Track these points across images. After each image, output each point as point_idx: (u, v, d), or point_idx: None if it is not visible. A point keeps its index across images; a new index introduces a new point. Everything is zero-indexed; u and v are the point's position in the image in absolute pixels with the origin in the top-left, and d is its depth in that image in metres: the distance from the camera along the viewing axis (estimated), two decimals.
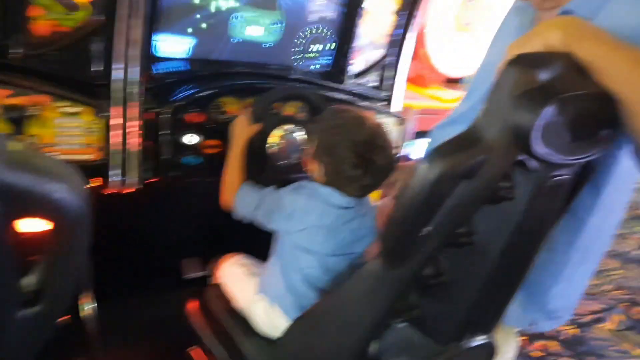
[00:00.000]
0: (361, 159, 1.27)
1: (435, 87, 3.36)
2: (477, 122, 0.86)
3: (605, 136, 0.91)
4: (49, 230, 0.51)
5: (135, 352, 1.86)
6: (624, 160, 1.05)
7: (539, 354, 2.64)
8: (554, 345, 2.73)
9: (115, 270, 1.68)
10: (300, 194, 1.36)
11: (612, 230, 1.30)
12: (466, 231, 0.95)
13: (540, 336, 2.78)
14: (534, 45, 0.90)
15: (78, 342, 1.65)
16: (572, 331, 2.89)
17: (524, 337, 2.68)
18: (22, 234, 0.47)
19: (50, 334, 0.58)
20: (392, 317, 1.05)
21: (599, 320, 3.05)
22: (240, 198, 1.44)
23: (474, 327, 1.06)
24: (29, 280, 0.53)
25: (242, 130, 1.50)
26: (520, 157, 0.86)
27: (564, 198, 0.97)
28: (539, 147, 0.82)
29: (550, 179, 0.90)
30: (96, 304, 1.74)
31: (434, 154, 0.85)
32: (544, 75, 0.84)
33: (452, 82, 3.49)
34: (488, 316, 1.08)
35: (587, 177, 1.02)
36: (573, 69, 0.87)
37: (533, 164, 0.87)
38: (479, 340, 1.08)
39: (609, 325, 3.03)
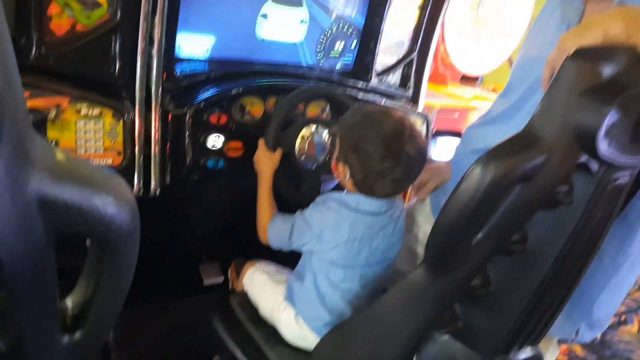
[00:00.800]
0: (390, 150, 1.19)
1: (454, 85, 3.31)
2: (534, 121, 0.80)
3: None
4: (95, 246, 0.45)
5: (155, 359, 1.81)
6: None
7: (564, 358, 2.57)
8: (578, 349, 2.66)
9: (135, 275, 1.63)
10: (328, 208, 1.30)
11: None
12: (519, 238, 0.89)
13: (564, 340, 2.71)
14: (594, 36, 0.83)
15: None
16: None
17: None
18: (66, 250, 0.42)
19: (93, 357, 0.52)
20: (434, 329, 1.00)
21: (623, 323, 2.98)
22: (272, 231, 1.40)
23: (521, 339, 1.00)
24: (71, 303, 0.48)
25: (266, 164, 1.46)
26: (582, 160, 0.80)
27: (622, 202, 0.91)
28: (605, 148, 0.76)
29: (611, 182, 0.85)
30: None
31: (490, 156, 0.78)
32: (608, 71, 0.78)
33: (468, 79, 3.44)
34: (537, 327, 1.02)
35: None
36: (638, 63, 0.81)
37: (595, 166, 0.81)
38: (526, 352, 1.02)
39: (634, 327, 2.96)
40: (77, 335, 0.47)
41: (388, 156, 1.21)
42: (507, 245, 0.88)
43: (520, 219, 0.85)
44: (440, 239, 0.86)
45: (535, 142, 0.79)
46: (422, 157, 1.25)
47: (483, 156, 0.79)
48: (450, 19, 3.18)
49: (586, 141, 0.76)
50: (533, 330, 1.01)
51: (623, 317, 3.03)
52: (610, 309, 1.26)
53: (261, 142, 1.46)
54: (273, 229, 1.39)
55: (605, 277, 1.16)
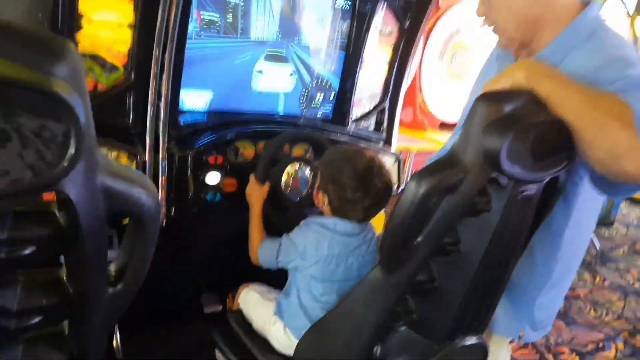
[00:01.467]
0: (361, 182, 1.46)
1: (432, 131, 3.60)
2: (455, 147, 1.05)
3: (563, 157, 1.10)
4: (131, 223, 0.69)
5: None
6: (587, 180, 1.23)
7: None
8: None
9: (138, 304, 1.82)
10: (309, 229, 1.55)
11: (585, 246, 1.47)
12: (452, 241, 1.12)
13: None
14: (504, 83, 1.11)
15: None
16: (576, 358, 2.99)
17: None
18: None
19: (124, 310, 0.75)
20: (393, 321, 1.21)
21: (600, 349, 3.15)
22: (262, 252, 1.63)
23: (464, 327, 1.21)
24: (114, 265, 0.71)
25: (256, 195, 1.70)
26: (493, 175, 1.04)
27: (533, 210, 1.15)
28: (507, 166, 1.00)
29: (520, 193, 1.09)
30: (119, 337, 1.88)
31: (421, 173, 1.03)
32: (508, 107, 1.03)
33: (447, 126, 3.73)
34: (476, 317, 1.24)
35: (557, 193, 1.20)
36: (534, 103, 1.07)
37: (504, 180, 1.05)
38: (471, 340, 1.23)
39: (610, 353, 3.12)
40: (118, 287, 0.70)
41: (360, 188, 1.47)
42: (442, 246, 1.11)
43: (450, 223, 1.08)
44: (388, 241, 1.10)
45: (456, 163, 1.04)
46: (388, 189, 1.52)
47: (417, 174, 1.03)
48: (426, 71, 3.51)
49: (493, 161, 1.00)
50: (473, 320, 1.23)
51: (601, 344, 3.20)
52: (550, 311, 1.47)
53: (252, 177, 1.71)
54: (262, 250, 1.61)
55: (541, 281, 1.38)
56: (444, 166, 1.05)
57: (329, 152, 1.63)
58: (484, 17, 1.31)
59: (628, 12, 4.98)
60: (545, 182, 1.13)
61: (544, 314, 1.45)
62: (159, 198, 1.58)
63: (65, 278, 0.66)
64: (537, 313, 1.43)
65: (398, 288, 1.15)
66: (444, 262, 1.15)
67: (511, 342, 1.55)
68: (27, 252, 0.58)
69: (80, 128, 0.52)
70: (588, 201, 1.31)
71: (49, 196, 0.62)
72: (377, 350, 1.24)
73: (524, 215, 1.14)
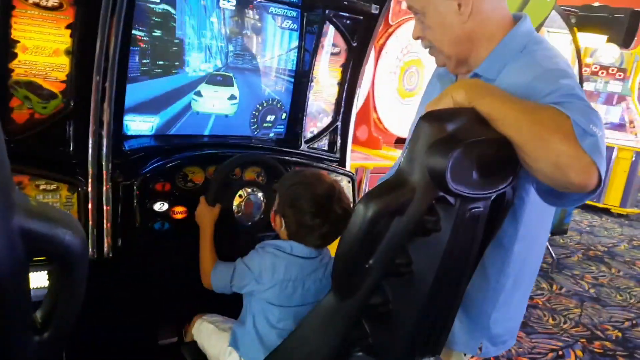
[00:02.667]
0: (321, 209, 1.43)
1: (387, 148, 3.62)
2: (402, 168, 1.04)
3: (508, 173, 1.11)
4: (55, 266, 0.64)
5: None
6: (536, 194, 1.24)
7: None
8: None
9: (91, 337, 1.75)
10: (265, 252, 1.50)
11: (539, 258, 1.49)
12: (404, 262, 1.11)
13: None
14: (445, 103, 1.11)
15: None
16: None
17: None
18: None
19: (57, 357, 0.70)
20: (349, 347, 1.19)
21: (560, 357, 3.19)
22: (215, 277, 1.56)
23: (420, 349, 1.20)
24: (40, 312, 0.66)
25: (206, 217, 1.64)
26: (440, 194, 1.03)
27: (482, 228, 1.15)
28: (452, 185, 1.00)
29: (468, 211, 1.08)
30: None
31: (368, 196, 1.02)
32: (451, 127, 1.03)
33: (402, 141, 3.76)
34: (432, 338, 1.22)
35: (504, 209, 1.21)
36: (476, 120, 1.07)
37: (451, 199, 1.05)
38: None
39: None
40: (45, 335, 0.65)
41: (319, 214, 1.44)
42: (395, 267, 1.09)
43: (400, 244, 1.07)
44: (339, 266, 1.08)
45: (403, 184, 1.03)
46: (347, 215, 1.47)
47: (364, 196, 1.02)
48: (379, 89, 3.54)
49: (439, 181, 1.00)
50: (429, 340, 1.21)
51: (561, 352, 3.25)
52: (508, 325, 1.47)
53: (202, 199, 1.67)
54: (215, 274, 1.56)
55: (495, 296, 1.38)
56: (391, 187, 1.04)
57: (288, 175, 1.60)
58: (421, 39, 1.33)
59: (570, 25, 5.17)
60: (492, 198, 1.14)
61: (501, 328, 1.45)
62: (104, 230, 1.52)
63: None
64: (493, 328, 1.42)
65: (352, 313, 1.13)
66: (397, 283, 1.13)
67: (471, 358, 1.54)
68: None
69: None
70: (536, 215, 1.32)
71: None
72: None
73: (474, 233, 1.13)
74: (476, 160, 1.03)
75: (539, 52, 1.24)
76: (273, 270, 1.47)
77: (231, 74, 1.90)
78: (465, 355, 1.50)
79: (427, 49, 1.37)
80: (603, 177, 1.01)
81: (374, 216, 1.00)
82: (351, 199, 2.10)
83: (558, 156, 1.00)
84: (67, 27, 1.43)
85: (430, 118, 1.05)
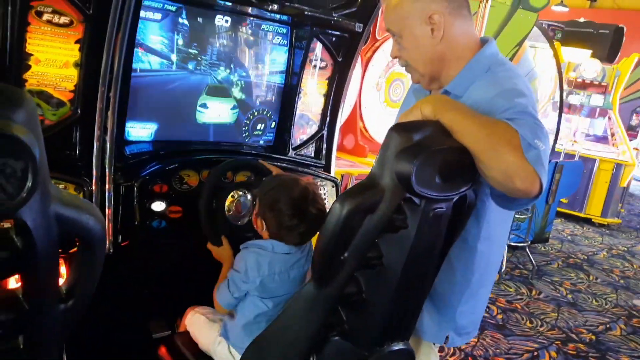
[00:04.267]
0: (297, 210, 1.58)
1: (373, 156, 3.78)
2: (374, 172, 1.19)
3: (468, 179, 1.26)
4: (80, 245, 0.79)
5: None
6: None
7: None
8: None
9: (87, 329, 1.87)
10: (249, 252, 1.64)
11: (499, 257, 1.64)
12: (376, 255, 1.25)
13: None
14: (414, 115, 1.27)
15: None
16: None
17: None
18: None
19: (75, 326, 0.84)
20: (327, 332, 1.33)
21: (535, 358, 3.34)
22: (219, 296, 1.68)
23: (391, 334, 1.34)
24: (65, 285, 0.80)
25: (221, 256, 1.78)
26: (407, 195, 1.18)
27: (445, 226, 1.30)
28: (417, 187, 1.15)
29: (432, 211, 1.23)
30: None
31: (344, 195, 1.17)
32: (417, 136, 1.18)
33: None
34: (401, 325, 1.37)
35: (467, 210, 1.36)
36: (440, 131, 1.22)
37: (417, 200, 1.20)
38: (398, 345, 1.36)
39: None
40: (69, 303, 0.79)
41: (295, 215, 1.59)
42: (367, 260, 1.24)
43: (372, 239, 1.21)
44: (318, 258, 1.22)
45: (374, 186, 1.18)
46: (322, 215, 1.62)
47: (340, 196, 1.18)
48: (366, 100, 3.70)
49: (405, 183, 1.15)
50: (398, 327, 1.36)
51: (536, 353, 3.40)
52: (471, 317, 1.62)
53: (209, 245, 1.81)
54: (219, 293, 1.68)
55: (460, 290, 1.53)
56: (363, 188, 1.19)
57: (266, 180, 1.75)
58: (398, 58, 1.49)
59: (551, 41, 5.37)
60: (454, 200, 1.29)
61: (466, 320, 1.59)
62: (106, 226, 1.66)
63: (21, 296, 0.75)
64: (459, 320, 1.57)
65: (330, 300, 1.27)
66: (370, 275, 1.28)
67: (441, 350, 1.68)
68: None
69: (36, 164, 0.63)
70: (496, 217, 1.47)
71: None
72: None
73: (437, 231, 1.28)
74: (439, 166, 1.18)
75: (501, 73, 1.40)
76: (258, 267, 1.60)
77: (226, 86, 2.06)
78: (434, 345, 1.65)
79: (404, 67, 1.53)
80: (544, 186, 1.17)
81: (349, 213, 1.14)
82: None
83: (507, 165, 1.16)
84: (76, 42, 1.57)
85: (398, 128, 1.20)
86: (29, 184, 0.63)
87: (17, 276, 0.75)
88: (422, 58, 1.45)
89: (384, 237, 1.24)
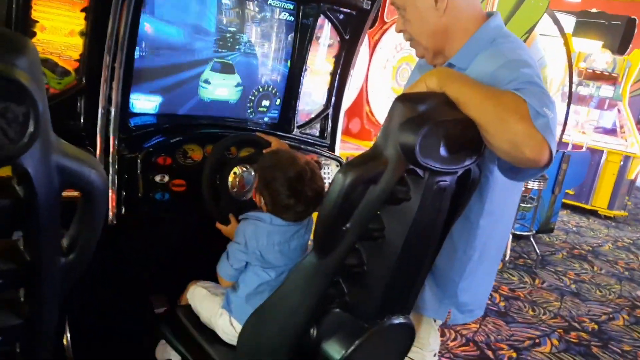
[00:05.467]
0: (293, 190, 1.57)
1: None
2: (377, 142, 1.19)
3: (472, 152, 1.25)
4: (82, 199, 0.79)
5: None
6: (499, 172, 1.39)
7: None
8: None
9: (89, 303, 1.88)
10: (248, 223, 1.65)
11: (504, 236, 1.63)
12: (378, 227, 1.25)
13: (484, 359, 3.05)
14: (419, 88, 1.26)
15: None
16: (513, 354, 3.17)
17: None
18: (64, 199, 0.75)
19: (76, 280, 0.84)
20: (327, 303, 1.33)
21: (536, 345, 3.35)
22: (220, 269, 1.67)
23: (391, 307, 1.35)
24: (66, 238, 0.80)
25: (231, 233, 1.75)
26: (410, 167, 1.17)
27: (448, 200, 1.29)
28: (421, 159, 1.14)
29: (435, 183, 1.23)
30: (69, 336, 1.93)
31: (347, 166, 1.16)
32: (421, 107, 1.18)
33: None
34: (402, 298, 1.37)
35: (470, 185, 1.35)
36: (445, 103, 1.22)
37: (420, 171, 1.19)
38: (398, 319, 1.36)
39: (546, 348, 3.33)
40: (70, 257, 0.80)
41: (291, 195, 1.58)
42: (369, 231, 1.24)
43: (374, 211, 1.21)
44: (320, 228, 1.22)
45: (377, 156, 1.17)
46: (319, 196, 1.61)
47: (343, 166, 1.17)
48: (372, 83, 3.68)
49: (409, 154, 1.14)
50: (399, 300, 1.36)
51: (537, 340, 3.40)
52: (474, 295, 1.61)
53: (218, 224, 1.80)
54: (219, 266, 1.67)
55: (462, 266, 1.53)
56: (367, 159, 1.18)
57: (265, 157, 1.72)
58: (403, 32, 1.47)
59: (563, 31, 5.31)
60: (459, 175, 1.28)
61: (468, 297, 1.59)
62: (109, 194, 1.66)
63: (22, 247, 0.75)
64: (460, 296, 1.57)
65: (330, 272, 1.27)
66: (371, 247, 1.28)
67: (442, 335, 1.68)
68: None
69: (38, 110, 0.63)
70: (500, 194, 1.47)
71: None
72: (313, 331, 1.35)
73: (440, 204, 1.28)
74: (443, 138, 1.17)
75: (505, 44, 1.39)
76: (256, 238, 1.60)
77: (231, 62, 2.05)
78: (435, 321, 1.65)
79: (409, 42, 1.51)
80: (554, 154, 1.16)
81: (351, 183, 1.14)
82: None
83: (515, 135, 1.15)
84: (82, 10, 1.57)
85: (403, 99, 1.19)
86: (30, 129, 0.63)
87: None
88: (426, 31, 1.44)
89: (386, 209, 1.24)
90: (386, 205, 1.22)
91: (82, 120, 1.66)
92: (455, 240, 1.48)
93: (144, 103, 1.87)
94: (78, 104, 1.66)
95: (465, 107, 1.19)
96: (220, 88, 2.05)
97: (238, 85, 2.10)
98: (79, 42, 1.60)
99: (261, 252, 1.60)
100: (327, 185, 1.75)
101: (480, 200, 1.44)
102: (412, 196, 1.22)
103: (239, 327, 1.64)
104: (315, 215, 1.65)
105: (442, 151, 1.18)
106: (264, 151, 1.81)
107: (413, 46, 1.52)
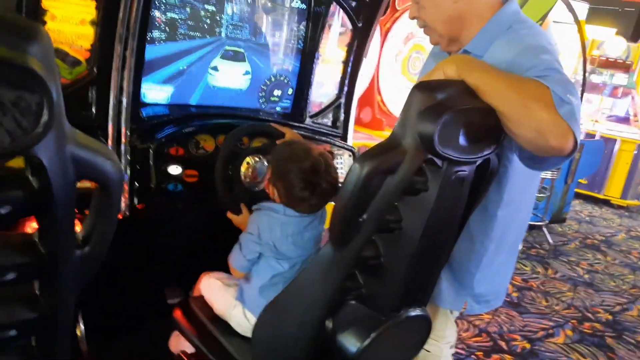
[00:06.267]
0: (308, 183, 1.54)
1: (390, 130, 3.73)
2: (395, 132, 1.16)
3: (492, 141, 1.22)
4: (97, 190, 0.77)
5: None
6: (519, 162, 1.36)
7: None
8: (509, 358, 2.97)
9: (102, 294, 1.87)
10: (261, 214, 1.62)
11: (522, 226, 1.61)
12: (395, 218, 1.23)
13: (497, 350, 3.03)
14: (437, 76, 1.23)
15: None
16: (527, 345, 3.15)
17: (479, 352, 2.93)
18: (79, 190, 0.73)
19: (93, 273, 0.83)
20: (343, 295, 1.31)
21: (550, 335, 3.32)
22: (232, 259, 1.66)
23: (408, 300, 1.32)
24: (82, 230, 0.79)
25: (242, 223, 1.73)
26: (429, 157, 1.15)
27: (467, 190, 1.26)
28: (440, 148, 1.11)
29: (454, 174, 1.20)
30: (83, 328, 1.93)
31: (364, 156, 1.13)
32: (440, 96, 1.15)
33: None
34: (419, 290, 1.35)
35: (489, 175, 1.32)
36: (464, 91, 1.18)
37: (439, 161, 1.16)
38: (415, 311, 1.34)
39: (559, 339, 3.30)
40: (86, 249, 0.78)
41: (306, 188, 1.55)
42: (386, 223, 1.21)
43: (391, 202, 1.19)
44: (337, 219, 1.19)
45: (395, 146, 1.14)
46: (334, 189, 1.59)
47: (360, 156, 1.14)
48: (384, 72, 3.64)
49: (427, 144, 1.11)
50: (416, 292, 1.34)
51: (551, 331, 3.38)
52: (490, 286, 1.59)
53: (229, 214, 1.77)
54: (232, 258, 1.66)
55: (478, 257, 1.50)
56: (384, 149, 1.15)
57: (279, 148, 1.69)
58: (416, 19, 1.44)
59: (576, 18, 5.23)
60: (477, 164, 1.25)
61: (484, 288, 1.57)
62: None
63: (37, 239, 0.74)
64: (477, 287, 1.55)
65: (347, 264, 1.25)
66: (389, 239, 1.25)
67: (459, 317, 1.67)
68: (3, 211, 0.66)
69: (52, 98, 0.60)
70: (518, 184, 1.44)
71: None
72: (329, 323, 1.33)
73: (459, 195, 1.25)
74: (463, 127, 1.14)
75: (523, 30, 1.35)
76: (270, 229, 1.58)
77: (243, 50, 2.02)
78: (452, 312, 1.63)
79: (422, 28, 1.48)
80: (578, 142, 1.13)
81: (368, 174, 1.11)
82: None
83: (539, 123, 1.11)
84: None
85: (421, 87, 1.16)
86: (44, 119, 0.61)
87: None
88: (441, 17, 1.41)
89: (403, 200, 1.21)
90: (403, 196, 1.20)
91: (93, 111, 1.64)
92: (472, 231, 1.46)
93: (156, 93, 1.86)
94: (89, 94, 1.64)
95: (485, 95, 1.16)
96: (228, 75, 2.02)
97: (247, 73, 2.07)
98: (90, 31, 1.58)
99: (275, 243, 1.58)
100: (340, 175, 1.72)
101: (499, 190, 1.41)
102: (430, 186, 1.19)
103: (252, 318, 1.62)
104: (328, 206, 1.64)
105: (461, 140, 1.15)
106: (278, 142, 1.79)
107: (427, 33, 1.48)
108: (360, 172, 1.11)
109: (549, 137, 1.11)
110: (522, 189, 1.48)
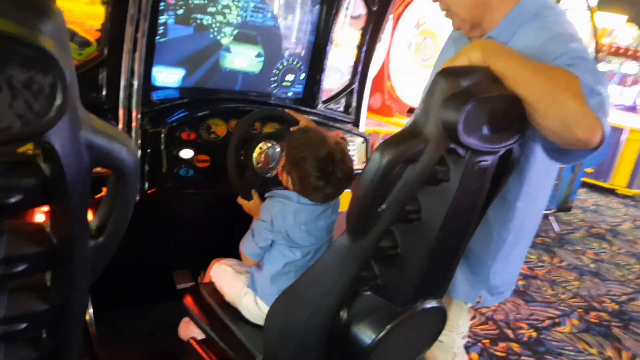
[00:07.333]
0: (323, 172, 1.50)
1: (400, 117, 3.68)
2: (416, 119, 1.12)
3: (516, 131, 1.18)
4: (112, 178, 0.74)
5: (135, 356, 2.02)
6: (540, 153, 1.32)
7: (502, 354, 2.86)
8: (515, 347, 2.96)
9: (111, 279, 1.85)
10: (274, 201, 1.59)
11: (537, 218, 1.57)
12: (414, 208, 1.19)
13: (504, 338, 3.01)
14: (461, 61, 1.18)
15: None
16: (533, 334, 3.13)
17: (486, 340, 2.92)
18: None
19: (106, 263, 0.80)
20: (359, 286, 1.28)
21: (556, 324, 3.30)
22: (244, 247, 1.63)
23: (424, 291, 1.29)
24: (96, 219, 0.75)
25: (253, 211, 1.71)
26: (451, 146, 1.11)
27: (489, 181, 1.23)
28: (464, 137, 1.07)
29: (476, 164, 1.16)
30: (92, 311, 1.91)
31: (385, 144, 1.09)
32: (465, 83, 1.10)
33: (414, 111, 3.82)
34: (436, 282, 1.32)
35: (511, 165, 1.28)
36: (489, 78, 1.14)
37: (461, 151, 1.12)
38: (431, 303, 1.31)
39: (565, 328, 3.28)
40: (100, 239, 0.75)
41: (321, 177, 1.51)
42: (405, 213, 1.18)
43: (411, 192, 1.15)
44: (355, 208, 1.16)
45: (417, 134, 1.10)
46: (349, 178, 1.55)
47: (381, 144, 1.10)
48: (394, 58, 3.58)
49: (451, 132, 1.07)
50: (433, 284, 1.31)
51: (557, 320, 3.35)
52: (505, 277, 1.56)
53: (239, 200, 1.75)
54: (244, 244, 1.63)
55: (495, 249, 1.47)
56: (406, 137, 1.11)
57: (294, 135, 1.64)
58: (439, 2, 1.39)
59: (589, 5, 5.14)
60: (500, 154, 1.21)
61: (499, 280, 1.54)
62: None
63: (49, 229, 0.70)
64: (492, 279, 1.52)
65: (364, 254, 1.22)
66: (407, 229, 1.22)
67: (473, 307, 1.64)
68: (14, 200, 0.63)
69: (65, 81, 0.57)
70: (539, 175, 1.40)
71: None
72: (344, 314, 1.31)
73: (480, 185, 1.21)
74: (487, 115, 1.10)
75: (551, 17, 1.30)
76: (283, 216, 1.55)
77: (255, 33, 1.97)
78: (466, 303, 1.60)
79: (444, 12, 1.43)
80: (606, 135, 1.08)
81: (389, 163, 1.07)
82: (364, 160, 2.18)
83: (567, 113, 1.07)
84: None
85: (446, 73, 1.11)
86: (57, 102, 0.57)
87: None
88: (464, 1, 1.35)
89: (423, 190, 1.18)
90: (424, 186, 1.16)
91: (103, 93, 1.60)
92: (490, 223, 1.43)
93: (167, 76, 1.82)
94: (99, 76, 1.60)
95: (511, 83, 1.12)
96: (240, 57, 1.98)
97: (259, 55, 2.03)
98: (100, 11, 1.53)
99: (287, 231, 1.55)
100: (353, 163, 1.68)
101: (519, 180, 1.38)
102: (452, 176, 1.16)
103: (264, 306, 1.60)
104: (342, 195, 1.61)
105: (485, 129, 1.11)
106: (292, 129, 1.74)
107: (449, 17, 1.43)
108: (380, 160, 1.07)
109: (576, 128, 1.07)
110: (542, 179, 1.44)
